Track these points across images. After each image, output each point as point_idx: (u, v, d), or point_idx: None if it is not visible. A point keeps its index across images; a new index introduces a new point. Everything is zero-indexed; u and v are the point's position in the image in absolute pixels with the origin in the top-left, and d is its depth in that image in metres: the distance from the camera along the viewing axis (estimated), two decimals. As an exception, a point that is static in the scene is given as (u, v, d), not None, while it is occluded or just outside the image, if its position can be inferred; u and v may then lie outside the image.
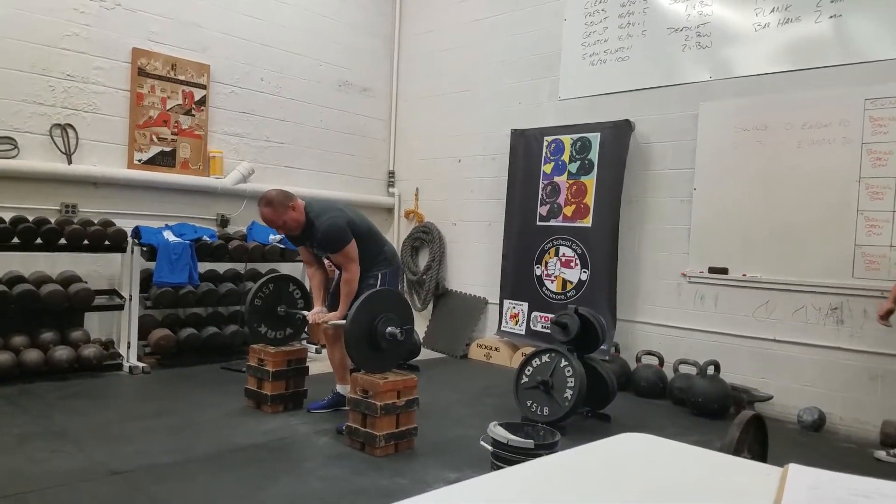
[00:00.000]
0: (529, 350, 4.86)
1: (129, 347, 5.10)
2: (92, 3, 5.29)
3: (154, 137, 5.72)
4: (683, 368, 5.00)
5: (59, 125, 5.18)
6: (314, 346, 6.05)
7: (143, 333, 5.24)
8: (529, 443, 3.12)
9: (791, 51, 4.78)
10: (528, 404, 4.18)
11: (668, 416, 4.62)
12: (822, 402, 4.48)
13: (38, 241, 4.71)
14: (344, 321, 3.72)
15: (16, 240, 4.63)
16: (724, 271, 5.01)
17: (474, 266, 6.78)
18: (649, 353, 5.25)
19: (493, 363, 6.21)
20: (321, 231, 3.93)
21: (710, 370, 4.70)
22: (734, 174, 4.99)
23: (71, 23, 5.19)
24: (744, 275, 4.91)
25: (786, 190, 4.74)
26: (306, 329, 4.97)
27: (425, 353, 6.28)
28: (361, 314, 3.57)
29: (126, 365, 5.01)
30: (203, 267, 5.56)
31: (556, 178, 5.89)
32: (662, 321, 5.37)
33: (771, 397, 4.62)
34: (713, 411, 4.57)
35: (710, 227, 5.11)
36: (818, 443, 4.21)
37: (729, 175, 5.02)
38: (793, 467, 1.09)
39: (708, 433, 4.08)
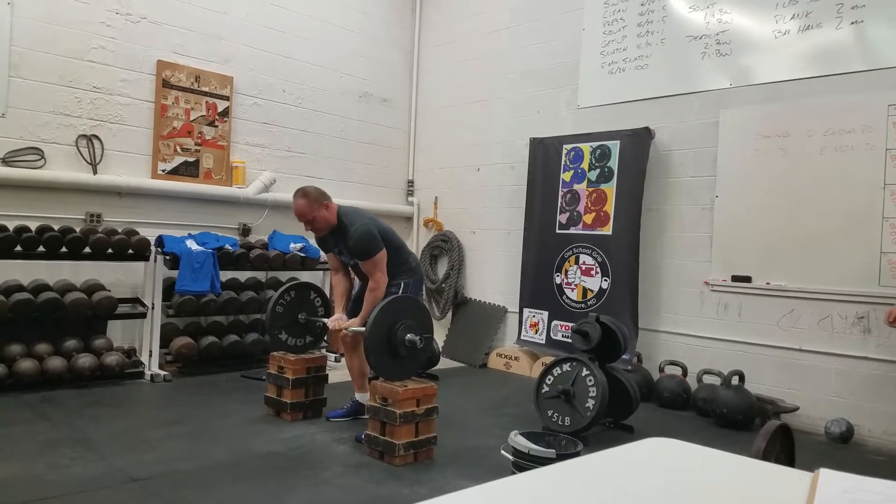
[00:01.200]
0: (550, 359, 4.83)
1: (150, 355, 5.14)
2: (118, 16, 5.38)
3: (178, 148, 5.79)
4: (707, 379, 4.93)
5: (85, 136, 5.27)
6: (334, 355, 6.06)
7: (164, 341, 5.28)
8: (551, 452, 3.08)
9: (812, 57, 4.73)
10: (550, 414, 4.15)
11: (692, 428, 4.56)
12: (850, 414, 4.40)
13: (64, 249, 4.77)
14: (363, 328, 3.72)
15: (41, 248, 4.70)
16: (747, 280, 4.94)
17: (494, 274, 6.77)
18: (672, 362, 5.18)
19: (512, 372, 6.17)
20: (354, 237, 3.94)
21: (735, 380, 4.63)
22: (756, 181, 4.93)
23: (98, 36, 5.29)
24: (767, 283, 4.84)
25: (809, 197, 4.67)
26: (326, 337, 4.96)
27: (444, 362, 6.27)
28: (381, 321, 3.57)
29: (147, 373, 5.05)
30: (225, 275, 5.61)
31: (576, 186, 5.86)
32: (685, 330, 5.31)
33: (797, 408, 4.55)
34: (738, 422, 4.49)
35: (733, 235, 5.06)
36: (847, 455, 4.12)
37: (751, 182, 4.96)
38: (824, 472, 1.07)
39: (733, 445, 4.00)
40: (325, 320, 4.31)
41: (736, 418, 4.50)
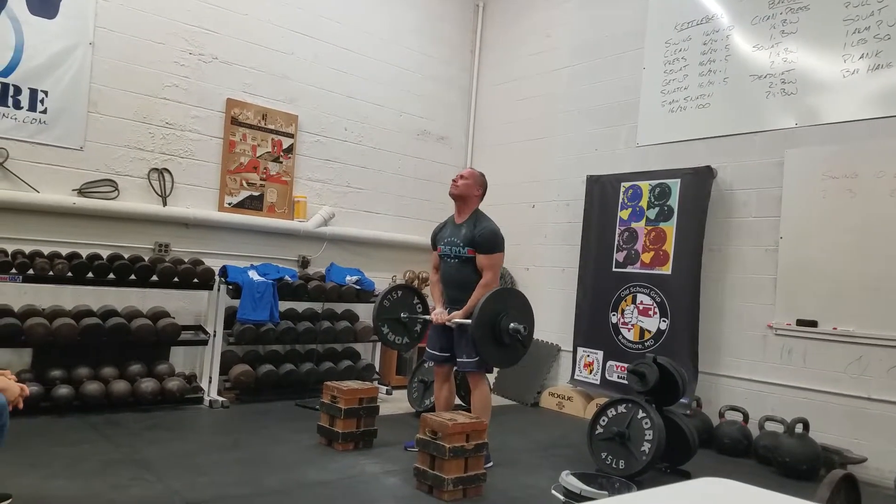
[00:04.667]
0: (604, 400, 4.73)
1: (210, 382, 5.27)
2: (191, 56, 5.66)
3: (244, 182, 6.00)
4: (770, 426, 4.74)
5: (157, 169, 5.52)
6: (385, 387, 6.09)
7: (223, 368, 5.41)
8: (604, 494, 3.01)
9: (882, 97, 4.61)
10: (603, 456, 4.06)
11: (753, 477, 4.37)
12: (925, 469, 4.15)
13: (132, 277, 4.97)
14: (468, 320, 3.91)
15: (111, 276, 4.90)
16: (812, 324, 4.77)
17: (547, 312, 6.69)
18: (733, 408, 5.00)
19: (565, 413, 6.06)
20: (486, 230, 4.13)
21: (799, 428, 4.43)
22: (823, 223, 4.79)
23: (172, 75, 5.57)
24: (834, 328, 4.66)
25: (879, 240, 4.50)
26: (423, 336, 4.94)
27: (495, 400, 6.18)
28: (486, 310, 3.78)
29: (206, 399, 5.16)
30: (283, 305, 5.73)
31: (634, 224, 5.80)
32: (747, 375, 5.13)
33: (865, 459, 4.32)
34: (801, 473, 4.30)
35: (798, 278, 4.90)
36: (921, 512, 3.88)
37: (817, 224, 4.82)
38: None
39: (796, 495, 3.82)
40: (427, 316, 4.49)
41: (799, 468, 4.30)
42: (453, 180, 4.35)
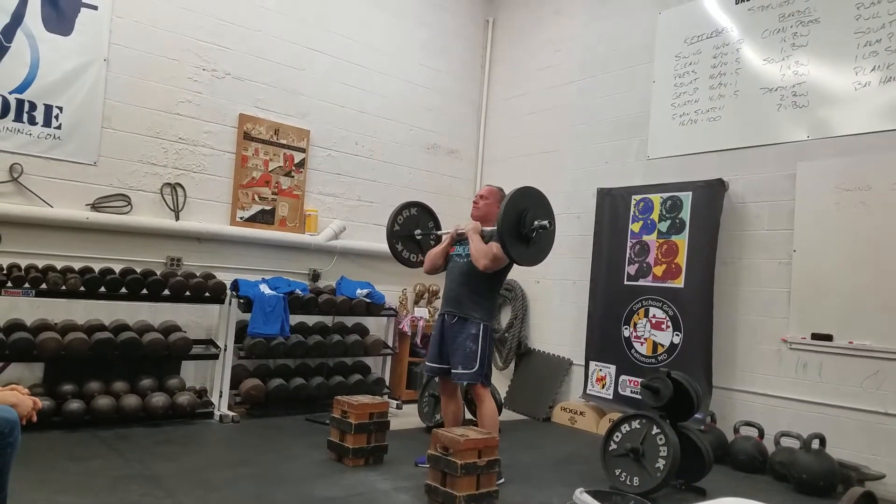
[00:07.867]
0: (617, 415, 4.69)
1: (220, 396, 5.26)
2: (204, 72, 5.71)
3: (256, 197, 6.03)
4: (785, 441, 4.68)
5: (170, 184, 5.55)
6: (396, 402, 6.06)
7: (234, 383, 5.40)
8: (618, 512, 2.98)
9: (894, 109, 4.57)
10: (617, 473, 4.01)
11: (769, 493, 4.31)
12: (946, 486, 4.08)
13: (144, 291, 4.98)
14: (489, 228, 4.08)
15: (123, 290, 4.91)
16: (828, 338, 4.71)
17: (558, 325, 6.67)
18: (748, 423, 4.94)
19: (577, 428, 6.01)
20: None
21: (815, 444, 4.37)
22: (837, 236, 4.75)
23: (185, 90, 5.61)
24: (850, 342, 4.60)
25: (895, 252, 4.46)
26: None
27: (506, 415, 6.17)
28: (510, 211, 3.85)
29: (217, 413, 5.15)
30: (294, 319, 5.72)
31: (645, 237, 5.77)
32: (762, 390, 5.08)
33: (883, 476, 4.25)
34: (818, 489, 4.23)
35: (812, 291, 4.85)
36: (942, 531, 3.81)
37: (831, 237, 4.78)
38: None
39: (814, 513, 3.77)
40: (442, 231, 4.65)
41: (816, 484, 4.23)
42: (474, 202, 4.41)
